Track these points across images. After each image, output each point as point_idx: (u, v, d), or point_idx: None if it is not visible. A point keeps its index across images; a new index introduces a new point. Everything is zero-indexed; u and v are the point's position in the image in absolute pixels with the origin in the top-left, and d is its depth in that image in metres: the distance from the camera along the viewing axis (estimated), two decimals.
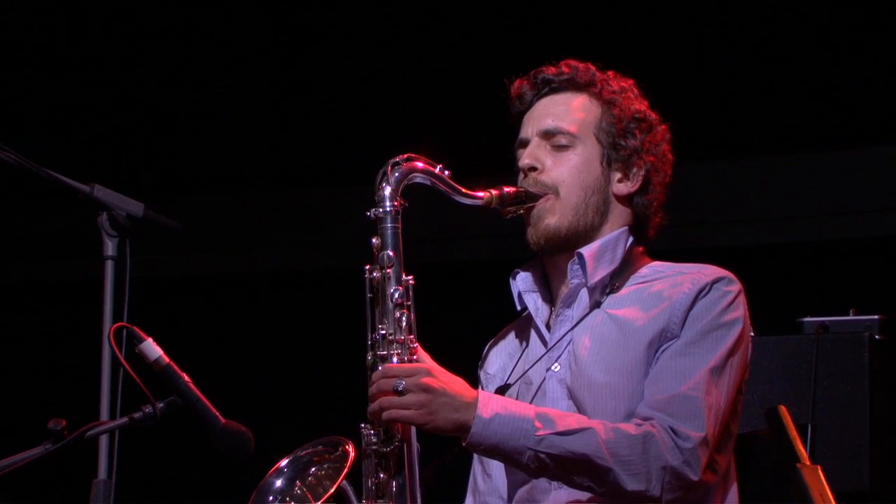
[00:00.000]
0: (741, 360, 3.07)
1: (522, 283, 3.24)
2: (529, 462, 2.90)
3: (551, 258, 3.22)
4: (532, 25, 6.05)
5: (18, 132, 6.37)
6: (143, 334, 2.87)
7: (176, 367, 2.86)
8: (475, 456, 3.27)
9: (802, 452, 2.66)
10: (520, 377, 3.18)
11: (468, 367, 3.31)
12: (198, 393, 2.85)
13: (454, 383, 2.92)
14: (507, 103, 3.28)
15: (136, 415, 2.83)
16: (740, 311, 3.08)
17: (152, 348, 2.86)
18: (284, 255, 7.08)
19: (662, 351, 3.04)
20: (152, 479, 6.53)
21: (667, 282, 3.11)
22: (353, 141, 6.51)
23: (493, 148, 3.40)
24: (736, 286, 3.10)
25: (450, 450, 3.11)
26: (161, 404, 2.83)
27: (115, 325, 2.89)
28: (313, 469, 3.03)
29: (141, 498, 6.10)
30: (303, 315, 6.92)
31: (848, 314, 4.48)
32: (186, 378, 2.86)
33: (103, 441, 2.93)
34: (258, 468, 3.05)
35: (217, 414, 2.85)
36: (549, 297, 3.24)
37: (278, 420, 5.76)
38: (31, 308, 7.33)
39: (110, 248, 3.06)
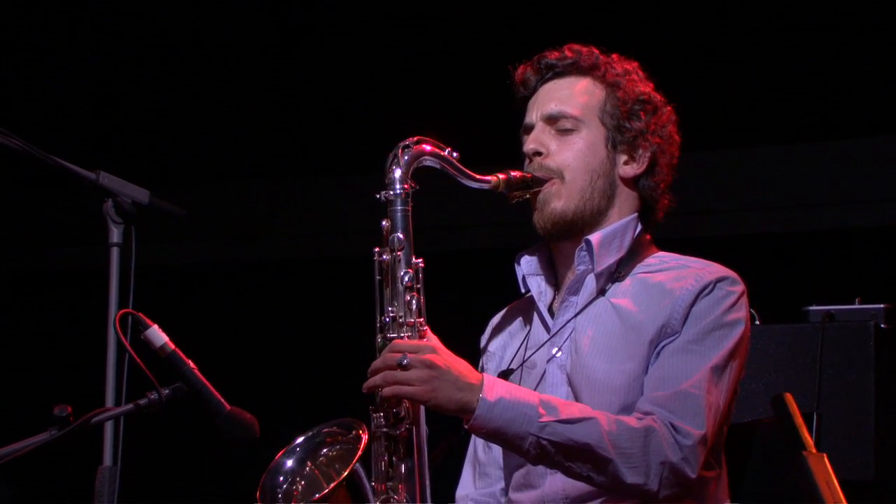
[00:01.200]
0: (741, 360, 3.07)
1: (527, 266, 3.24)
2: (531, 448, 2.90)
3: (557, 244, 3.22)
4: (537, 12, 6.04)
5: (24, 119, 6.37)
6: (148, 321, 2.87)
7: (181, 354, 2.86)
8: None
9: (808, 440, 2.65)
10: (522, 362, 3.18)
11: (474, 355, 3.32)
12: (203, 379, 2.86)
13: (459, 364, 2.92)
14: (512, 89, 3.28)
15: (142, 401, 2.83)
16: (743, 312, 3.08)
17: (158, 335, 2.86)
18: (289, 243, 7.08)
19: (663, 347, 3.03)
20: (158, 466, 6.53)
21: (670, 273, 3.11)
22: (359, 129, 6.51)
23: (499, 135, 3.40)
24: (739, 287, 3.10)
25: (457, 432, 3.11)
26: (166, 391, 2.83)
27: (121, 312, 2.89)
28: (325, 450, 3.02)
29: (146, 485, 6.11)
30: (308, 302, 6.93)
31: (854, 303, 4.47)
32: (192, 364, 2.86)
33: (108, 427, 2.93)
34: (264, 455, 3.05)
35: (222, 400, 2.85)
36: (554, 280, 3.25)
37: (284, 406, 5.76)
38: (36, 295, 7.33)
39: (116, 235, 3.06)
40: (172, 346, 2.87)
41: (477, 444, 3.30)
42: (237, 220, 7.08)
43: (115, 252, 3.05)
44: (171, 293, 6.69)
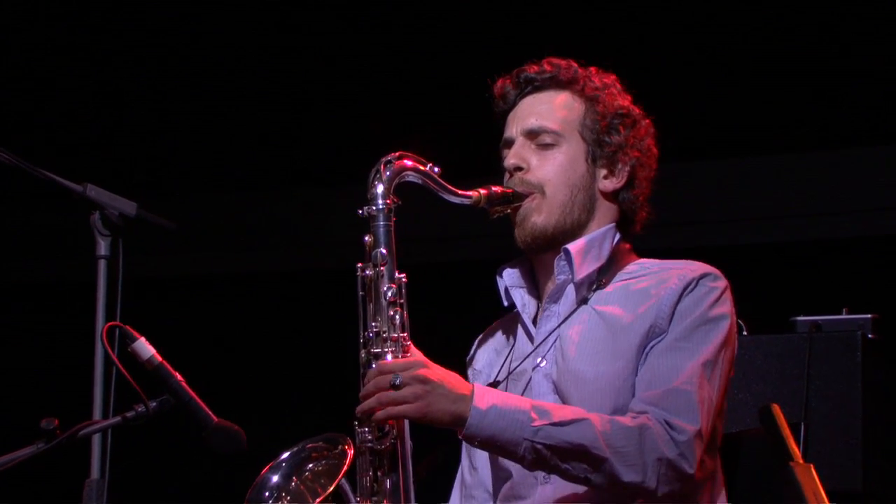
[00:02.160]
0: (730, 354, 3.08)
1: (509, 278, 3.25)
2: (526, 453, 2.90)
3: (537, 257, 3.22)
4: (519, 25, 6.05)
5: (12, 131, 6.36)
6: (135, 333, 2.87)
7: (168, 367, 2.86)
8: (464, 450, 3.29)
9: (795, 451, 2.65)
10: (508, 374, 3.19)
11: (458, 367, 3.31)
12: (190, 392, 2.85)
13: (450, 376, 2.92)
14: (491, 103, 3.29)
15: (129, 414, 2.83)
16: (727, 306, 3.09)
17: (145, 347, 2.86)
18: (277, 255, 7.08)
19: (651, 347, 3.04)
20: (145, 479, 6.52)
21: (653, 278, 3.12)
22: (345, 142, 6.51)
23: (481, 149, 3.40)
24: (722, 282, 3.11)
25: (441, 447, 3.11)
26: (153, 403, 2.83)
27: (108, 325, 2.89)
28: (310, 465, 3.02)
29: (134, 497, 6.09)
30: (295, 314, 6.92)
31: (841, 313, 4.48)
32: (179, 377, 2.86)
33: (96, 440, 2.93)
34: (251, 467, 3.05)
35: (209, 413, 2.85)
36: (536, 292, 3.26)
37: (271, 419, 5.76)
38: (23, 307, 7.32)
39: (103, 247, 3.06)
40: (159, 359, 2.86)
41: (464, 469, 3.30)
42: (224, 232, 7.08)
43: (102, 264, 3.05)
44: (159, 306, 6.68)
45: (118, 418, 2.84)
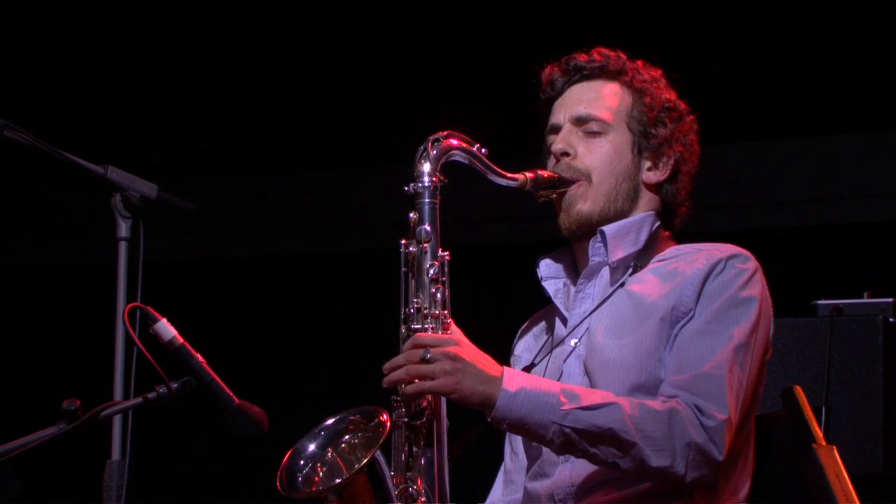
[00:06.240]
0: (763, 337, 3.07)
1: (545, 269, 3.28)
2: (555, 437, 2.91)
3: (579, 244, 3.24)
4: (555, 16, 6.04)
5: (33, 114, 6.37)
6: (157, 315, 2.87)
7: (190, 348, 2.87)
8: (507, 437, 3.30)
9: (818, 433, 2.65)
10: (544, 357, 3.21)
11: (500, 350, 3.32)
12: (212, 373, 2.86)
13: (481, 357, 2.94)
14: (537, 89, 3.30)
15: (151, 395, 2.83)
16: (758, 288, 3.09)
17: (166, 329, 2.87)
18: (298, 237, 7.08)
19: (681, 328, 3.04)
20: (167, 460, 6.54)
21: (683, 259, 3.14)
22: (371, 123, 6.51)
23: (519, 132, 3.40)
24: (752, 263, 3.11)
25: (476, 426, 3.12)
26: (175, 384, 2.83)
27: (130, 306, 2.89)
28: (347, 437, 3.03)
29: (155, 479, 6.11)
30: (317, 295, 6.93)
31: (862, 297, 4.48)
32: (200, 358, 2.86)
33: (117, 421, 2.94)
34: (273, 449, 3.06)
35: (231, 394, 2.85)
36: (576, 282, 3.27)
37: (294, 400, 5.77)
38: (45, 289, 7.34)
39: (124, 229, 3.06)
40: (181, 340, 2.87)
41: (507, 456, 3.34)
42: (246, 213, 7.08)
43: (123, 246, 3.05)
44: (181, 287, 6.69)
45: (139, 399, 2.84)
